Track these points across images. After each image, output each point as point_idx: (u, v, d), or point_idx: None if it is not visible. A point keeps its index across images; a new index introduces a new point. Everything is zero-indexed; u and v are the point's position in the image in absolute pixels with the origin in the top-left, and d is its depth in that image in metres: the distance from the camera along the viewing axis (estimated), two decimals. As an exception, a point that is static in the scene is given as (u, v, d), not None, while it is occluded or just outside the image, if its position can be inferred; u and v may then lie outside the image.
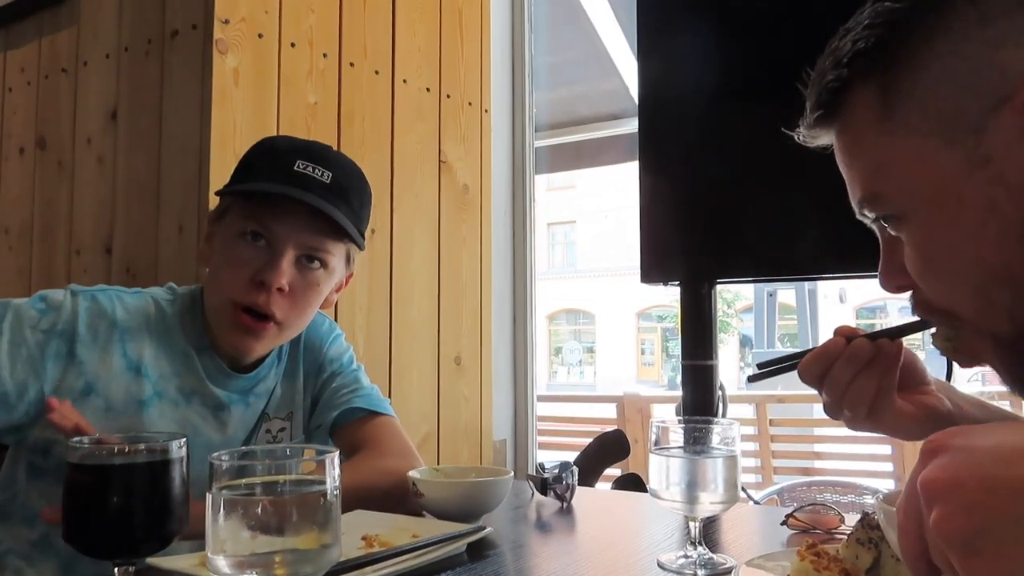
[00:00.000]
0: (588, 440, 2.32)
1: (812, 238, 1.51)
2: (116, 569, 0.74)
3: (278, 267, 1.08)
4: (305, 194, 1.09)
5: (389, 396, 2.01)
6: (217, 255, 1.14)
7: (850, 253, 1.48)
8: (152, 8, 1.74)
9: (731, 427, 0.95)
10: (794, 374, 0.88)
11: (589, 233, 24.42)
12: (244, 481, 0.62)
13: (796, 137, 0.78)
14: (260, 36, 1.71)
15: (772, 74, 1.60)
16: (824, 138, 0.77)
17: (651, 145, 1.70)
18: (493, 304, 2.36)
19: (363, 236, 1.20)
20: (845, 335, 0.82)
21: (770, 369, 0.88)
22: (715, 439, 0.94)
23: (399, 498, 1.14)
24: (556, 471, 1.28)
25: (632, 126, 4.27)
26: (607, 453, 2.32)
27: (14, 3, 1.98)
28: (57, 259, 1.91)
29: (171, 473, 0.74)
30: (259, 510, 0.62)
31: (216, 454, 0.63)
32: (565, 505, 1.26)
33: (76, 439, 0.75)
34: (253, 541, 0.61)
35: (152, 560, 0.82)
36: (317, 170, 1.11)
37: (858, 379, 0.80)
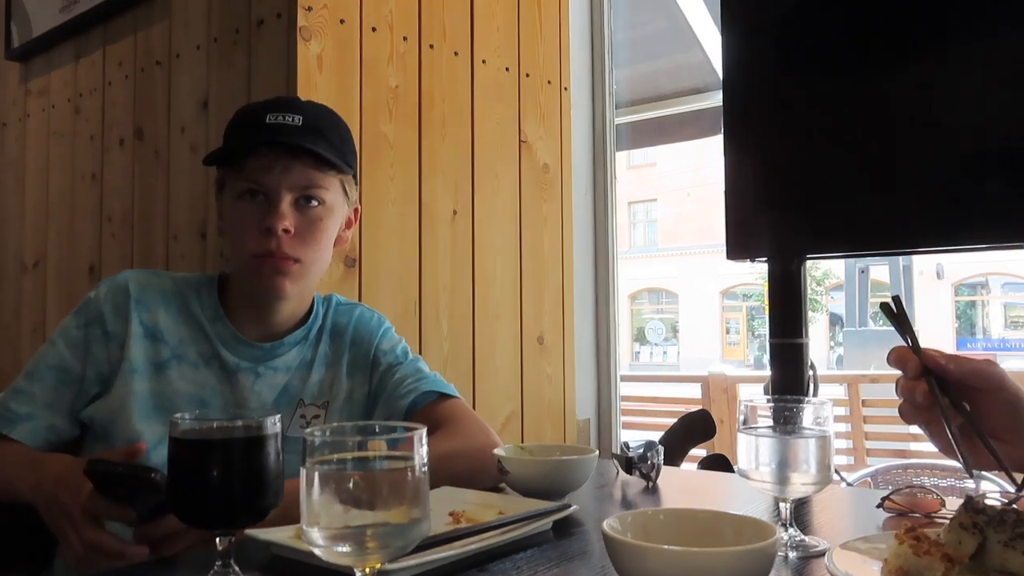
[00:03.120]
0: (672, 420, 2.29)
1: (906, 210, 1.45)
2: (217, 539, 0.77)
3: (277, 211, 1.16)
4: (279, 139, 1.17)
5: (473, 376, 2.03)
6: (227, 221, 1.24)
7: (948, 225, 1.41)
8: (239, -1, 1.79)
9: (823, 406, 0.92)
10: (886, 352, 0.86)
11: (670, 211, 24.02)
12: (336, 456, 0.64)
13: None
14: (342, 22, 1.73)
15: (861, 43, 1.54)
16: None
17: (736, 118, 1.66)
18: (575, 283, 2.35)
19: (352, 169, 1.26)
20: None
21: (901, 324, 0.84)
22: (807, 419, 0.91)
23: (482, 475, 1.15)
24: (641, 450, 1.27)
25: (715, 100, 4.15)
26: (692, 433, 2.28)
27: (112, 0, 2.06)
28: (156, 245, 2.00)
29: (267, 448, 0.77)
30: (351, 485, 0.63)
31: (310, 430, 0.65)
32: (651, 484, 1.25)
33: (178, 415, 0.78)
34: (346, 515, 0.63)
35: (250, 531, 0.86)
36: (287, 117, 1.18)
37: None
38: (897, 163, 1.46)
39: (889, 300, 0.87)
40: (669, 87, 4.11)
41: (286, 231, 1.16)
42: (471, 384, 2.00)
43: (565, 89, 2.33)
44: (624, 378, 2.71)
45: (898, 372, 0.83)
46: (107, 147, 2.17)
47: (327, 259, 1.27)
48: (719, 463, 1.95)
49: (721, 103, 1.70)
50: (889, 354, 0.82)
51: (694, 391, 5.99)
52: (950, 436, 0.79)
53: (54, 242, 2.35)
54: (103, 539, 0.91)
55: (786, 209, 1.55)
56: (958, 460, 0.80)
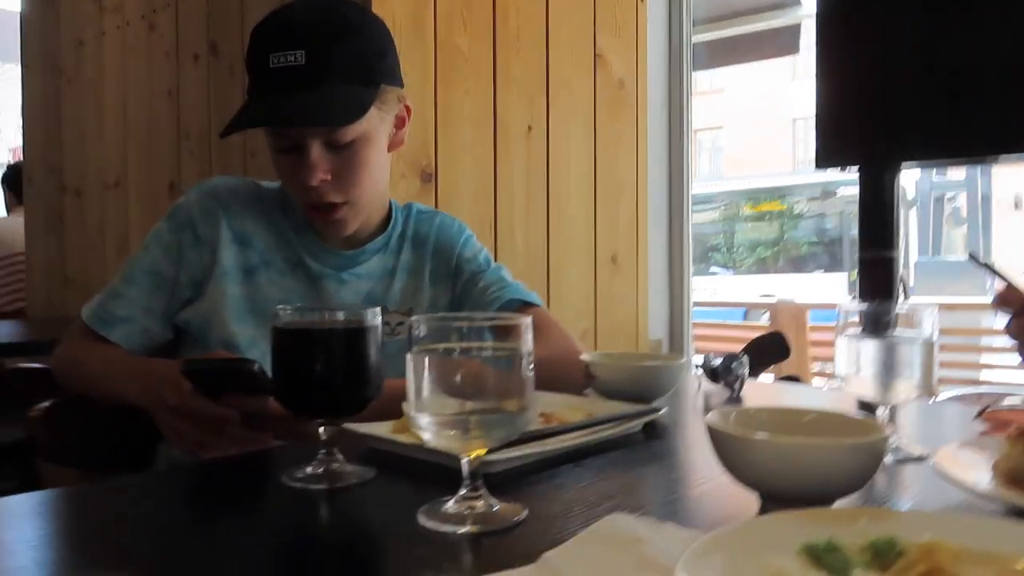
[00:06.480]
0: (741, 346, 2.26)
1: (1001, 114, 1.37)
2: (321, 429, 0.79)
3: (307, 166, 1.12)
4: (289, 104, 1.08)
5: (547, 293, 2.03)
6: (275, 169, 1.21)
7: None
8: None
9: (928, 309, 0.88)
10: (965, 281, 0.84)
11: (737, 139, 23.33)
12: (443, 345, 0.64)
13: None
14: (417, -72, 1.69)
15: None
16: None
17: (833, 17, 1.57)
18: (649, 204, 2.31)
19: (379, 82, 1.15)
20: None
21: (989, 268, 0.84)
22: (909, 323, 0.88)
23: (567, 381, 1.15)
24: (726, 362, 1.25)
25: (791, 17, 3.97)
26: (765, 354, 2.25)
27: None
28: (234, 161, 2.02)
29: (367, 339, 0.78)
30: (459, 374, 0.63)
31: (415, 318, 0.65)
32: (735, 395, 1.24)
33: (280, 306, 0.79)
34: (452, 402, 0.63)
35: (349, 426, 0.88)
36: (290, 56, 1.08)
37: None
38: (992, 67, 1.37)
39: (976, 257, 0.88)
40: (746, 3, 3.94)
41: (324, 181, 1.14)
42: (545, 301, 2.00)
43: (642, 1, 2.25)
44: (695, 303, 2.68)
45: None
46: (182, 64, 2.18)
47: (381, 178, 1.24)
48: (793, 383, 1.93)
49: (797, 20, 1.61)
50: (994, 299, 0.81)
51: (763, 318, 5.91)
52: None
53: (134, 160, 2.41)
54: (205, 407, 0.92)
55: (879, 114, 1.47)
56: None
